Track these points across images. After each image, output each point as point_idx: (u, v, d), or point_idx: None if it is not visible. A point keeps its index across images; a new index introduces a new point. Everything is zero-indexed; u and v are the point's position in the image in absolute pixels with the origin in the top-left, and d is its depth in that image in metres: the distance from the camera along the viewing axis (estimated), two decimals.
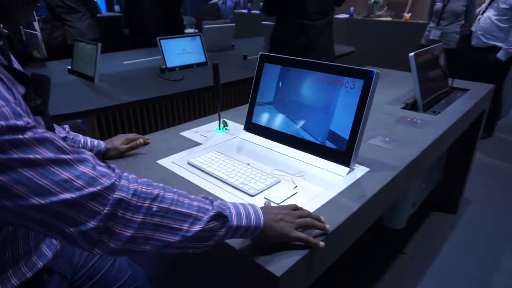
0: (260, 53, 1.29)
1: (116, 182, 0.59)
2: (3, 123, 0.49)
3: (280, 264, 0.72)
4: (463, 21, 3.46)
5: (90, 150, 1.08)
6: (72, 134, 1.06)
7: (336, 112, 1.10)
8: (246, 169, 1.07)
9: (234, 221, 0.68)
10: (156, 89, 2.25)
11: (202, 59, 2.92)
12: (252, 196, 0.94)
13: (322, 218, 0.82)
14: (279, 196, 0.94)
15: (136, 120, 2.29)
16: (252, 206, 0.73)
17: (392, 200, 1.20)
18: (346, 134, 1.07)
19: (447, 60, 1.98)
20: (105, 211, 0.56)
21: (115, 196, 0.57)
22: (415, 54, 1.61)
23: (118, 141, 1.16)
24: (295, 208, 0.81)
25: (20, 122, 0.51)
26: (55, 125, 1.01)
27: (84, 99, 2.09)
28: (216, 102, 1.34)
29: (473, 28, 3.36)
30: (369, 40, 4.86)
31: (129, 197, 0.59)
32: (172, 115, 2.39)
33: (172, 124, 2.33)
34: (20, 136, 0.51)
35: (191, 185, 1.00)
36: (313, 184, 1.01)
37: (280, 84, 1.24)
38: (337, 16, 5.10)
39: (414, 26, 4.43)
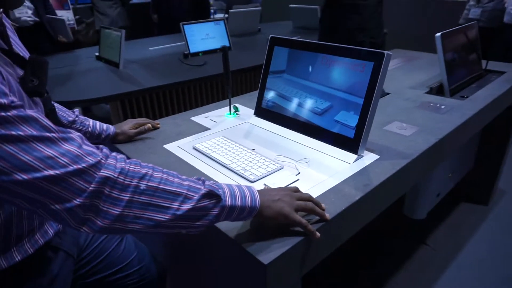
0: (270, 35, 1.26)
1: (102, 161, 0.59)
2: None
3: (269, 252, 0.70)
4: None
5: (99, 134, 1.11)
6: (81, 118, 1.08)
7: (345, 96, 1.05)
8: (250, 155, 1.05)
9: (228, 200, 0.66)
10: (178, 75, 2.27)
11: (226, 43, 2.90)
12: (252, 182, 0.93)
13: (323, 205, 0.79)
14: (279, 182, 0.92)
15: (159, 105, 2.34)
16: (248, 187, 0.72)
17: (404, 189, 1.14)
18: (354, 120, 1.02)
19: (485, 40, 1.83)
20: (90, 188, 0.56)
21: (100, 174, 0.58)
22: (442, 34, 1.50)
23: (127, 125, 1.18)
24: (295, 190, 0.78)
25: (3, 100, 0.52)
26: (64, 108, 1.04)
27: (109, 85, 2.14)
28: (226, 87, 1.32)
29: (506, 4, 3.08)
30: (404, 20, 4.60)
31: (115, 175, 0.59)
32: (192, 99, 2.40)
33: (191, 108, 2.36)
34: (3, 114, 0.52)
35: (193, 170, 1.00)
36: (317, 171, 0.97)
37: (290, 68, 1.20)
38: None
39: (454, 4, 4.14)
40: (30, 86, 0.66)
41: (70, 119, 1.04)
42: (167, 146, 1.14)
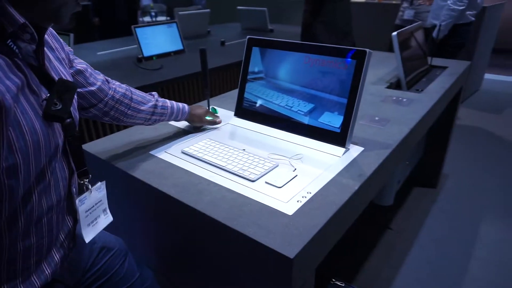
0: (248, 36, 1.27)
1: None
2: None
3: (291, 246, 0.72)
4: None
5: (177, 113, 1.16)
6: (161, 101, 1.11)
7: (329, 93, 1.10)
8: (242, 155, 1.06)
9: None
10: (136, 79, 2.19)
11: (179, 46, 2.85)
12: (253, 181, 0.94)
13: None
14: (280, 179, 0.94)
15: None
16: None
17: (387, 177, 1.22)
18: (340, 115, 1.07)
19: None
20: None
21: None
22: (397, 33, 1.63)
23: (202, 110, 1.25)
24: None
25: None
26: (144, 94, 1.08)
27: None
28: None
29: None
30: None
31: None
32: None
33: None
34: None
35: (189, 174, 0.98)
36: (311, 166, 1.01)
37: (270, 68, 1.22)
38: None
39: (388, 6, 4.49)
40: (52, 109, 0.63)
41: (151, 103, 1.08)
42: (153, 153, 1.11)
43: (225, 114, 1.39)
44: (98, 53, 2.85)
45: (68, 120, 0.69)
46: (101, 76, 0.98)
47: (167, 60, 2.64)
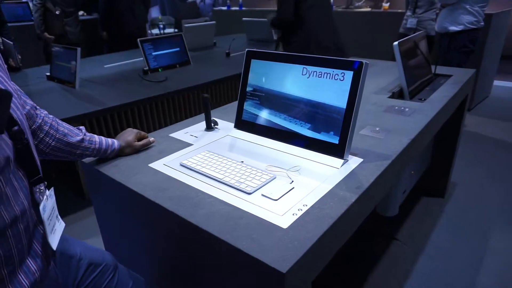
0: (247, 49, 1.28)
1: None
2: None
3: (283, 261, 0.71)
4: (439, 9, 3.51)
5: (106, 149, 1.10)
6: (89, 136, 1.06)
7: (326, 104, 1.10)
8: (240, 167, 1.06)
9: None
10: (140, 92, 2.22)
11: (184, 58, 2.89)
12: (249, 194, 0.94)
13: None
14: (276, 192, 0.93)
15: (121, 124, 2.25)
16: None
17: (387, 188, 1.21)
18: (338, 126, 1.07)
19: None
20: None
21: None
22: (399, 43, 1.63)
23: (131, 136, 1.18)
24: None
25: None
26: (71, 127, 1.02)
27: (67, 106, 2.04)
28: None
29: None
30: (349, 31, 4.88)
31: None
32: (158, 116, 2.35)
33: (159, 126, 2.30)
34: None
35: (185, 187, 0.99)
36: (309, 178, 1.01)
37: (269, 80, 1.23)
38: None
39: (393, 15, 4.48)
40: None
41: (78, 138, 1.02)
42: (152, 165, 1.11)
43: (226, 126, 1.39)
44: (105, 66, 2.90)
45: (15, 128, 0.66)
46: (30, 101, 0.89)
47: (172, 72, 2.67)
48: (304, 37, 2.65)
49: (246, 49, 1.28)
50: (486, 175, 2.66)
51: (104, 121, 2.16)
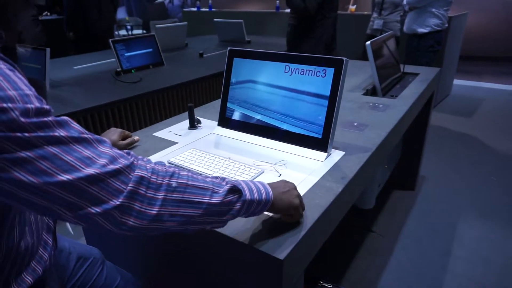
0: (229, 48, 1.30)
1: (135, 162, 0.60)
2: (33, 106, 0.51)
3: (280, 248, 0.74)
4: (403, 11, 3.69)
5: None
6: None
7: (309, 101, 1.14)
8: (228, 163, 1.08)
9: (248, 195, 0.68)
10: (115, 93, 2.18)
11: (158, 59, 2.86)
12: None
13: None
14: None
15: (95, 126, 2.20)
16: (260, 182, 0.74)
17: (368, 179, 1.27)
18: (321, 121, 1.11)
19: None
20: (127, 188, 0.56)
21: (135, 173, 0.58)
22: (371, 42, 1.71)
23: (114, 136, 1.16)
24: (295, 187, 0.81)
25: (46, 106, 0.53)
26: None
27: None
28: None
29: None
30: None
31: (149, 175, 0.59)
32: (137, 117, 2.31)
33: (139, 126, 2.27)
34: (45, 119, 0.52)
35: None
36: (295, 171, 1.04)
37: (252, 77, 1.25)
38: (285, 10, 5.20)
39: (360, 17, 4.64)
40: None
41: None
42: None
43: (209, 125, 1.41)
44: (75, 67, 2.82)
45: None
46: None
47: (146, 73, 2.64)
48: (318, 37, 3.05)
49: (229, 48, 1.31)
50: (451, 168, 2.82)
51: (79, 123, 2.10)
